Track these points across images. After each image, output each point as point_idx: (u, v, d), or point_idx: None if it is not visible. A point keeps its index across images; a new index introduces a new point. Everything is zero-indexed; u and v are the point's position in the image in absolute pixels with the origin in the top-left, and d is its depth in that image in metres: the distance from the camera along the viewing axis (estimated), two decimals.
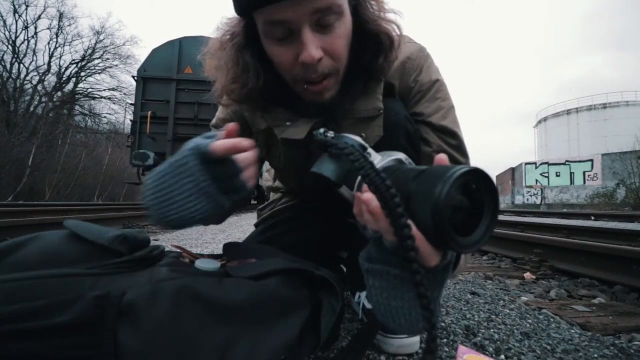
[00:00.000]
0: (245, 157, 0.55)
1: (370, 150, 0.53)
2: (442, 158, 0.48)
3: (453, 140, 0.77)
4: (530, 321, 0.98)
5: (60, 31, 18.84)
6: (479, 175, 0.39)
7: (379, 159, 0.51)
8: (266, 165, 1.00)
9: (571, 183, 18.43)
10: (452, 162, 0.75)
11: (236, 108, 0.81)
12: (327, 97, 0.65)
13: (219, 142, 0.54)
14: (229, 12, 0.64)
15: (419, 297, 0.38)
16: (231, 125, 0.57)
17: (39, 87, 18.10)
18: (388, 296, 0.46)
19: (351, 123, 0.72)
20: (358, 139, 0.54)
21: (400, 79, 0.77)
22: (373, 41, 0.66)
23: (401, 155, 0.53)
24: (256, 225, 1.09)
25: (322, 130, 0.56)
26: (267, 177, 1.17)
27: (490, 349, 0.78)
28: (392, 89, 0.77)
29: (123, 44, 21.55)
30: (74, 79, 19.73)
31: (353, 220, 0.50)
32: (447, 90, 0.80)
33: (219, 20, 0.69)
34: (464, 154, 0.79)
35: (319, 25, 0.57)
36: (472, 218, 0.40)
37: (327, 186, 0.54)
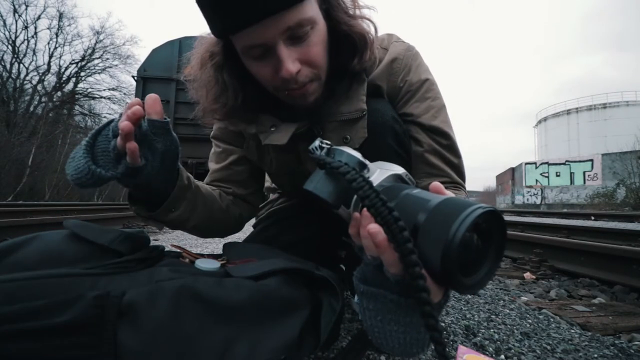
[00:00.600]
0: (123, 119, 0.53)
1: (369, 165, 0.52)
2: (438, 187, 0.45)
3: (444, 141, 0.76)
4: (530, 321, 0.98)
5: (60, 31, 18.87)
6: (493, 215, 0.38)
7: (376, 174, 0.49)
8: None
9: (571, 183, 18.43)
10: (444, 162, 0.76)
11: (219, 126, 0.85)
12: (311, 100, 0.66)
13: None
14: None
15: (427, 328, 0.37)
16: (134, 100, 0.56)
17: (39, 87, 18.14)
18: (382, 319, 0.45)
19: (335, 126, 0.72)
20: (357, 154, 0.51)
21: (387, 80, 0.76)
22: (347, 42, 0.66)
23: (400, 171, 0.52)
24: (254, 225, 1.09)
25: (317, 143, 0.53)
26: (267, 177, 1.17)
27: (490, 349, 0.78)
28: (380, 91, 0.76)
29: (123, 44, 21.59)
30: (73, 79, 19.76)
31: (348, 240, 0.49)
32: (437, 89, 0.79)
33: (199, 35, 0.70)
34: (457, 154, 0.78)
35: (291, 39, 0.58)
36: (477, 255, 0.39)
37: (320, 205, 0.51)
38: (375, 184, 0.45)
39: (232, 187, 0.88)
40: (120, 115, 0.55)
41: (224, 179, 0.89)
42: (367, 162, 0.52)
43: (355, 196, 0.48)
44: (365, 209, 0.42)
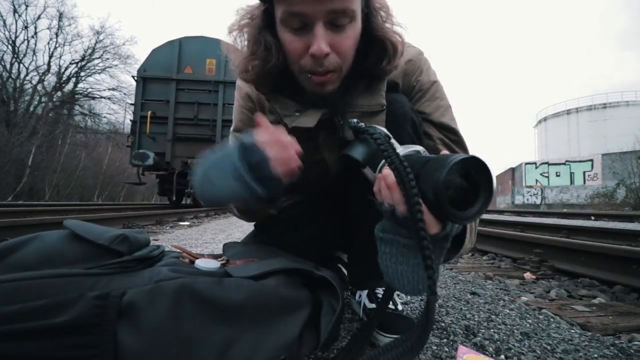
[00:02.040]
0: (281, 153, 0.62)
1: (393, 140, 0.61)
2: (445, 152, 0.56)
3: (453, 136, 0.83)
4: (530, 321, 0.98)
5: (60, 31, 18.84)
6: (475, 162, 0.48)
7: (400, 149, 0.59)
8: None
9: (571, 183, 18.42)
10: (454, 152, 0.80)
11: (249, 105, 0.87)
12: (328, 89, 0.70)
13: (260, 136, 0.63)
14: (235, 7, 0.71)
15: (424, 258, 0.48)
16: (259, 115, 0.65)
17: (39, 87, 18.11)
18: (396, 261, 0.55)
19: (356, 116, 0.75)
20: (384, 130, 0.63)
21: (403, 79, 0.83)
22: (378, 47, 0.71)
23: (420, 148, 0.62)
24: (256, 225, 1.09)
25: (355, 120, 0.65)
26: None
27: (490, 349, 0.78)
28: (397, 88, 0.83)
29: (123, 44, 21.57)
30: (73, 79, 19.73)
31: (372, 197, 0.59)
32: (443, 90, 0.86)
33: (238, 6, 0.75)
34: (465, 148, 0.84)
35: (331, 24, 0.63)
36: (472, 196, 0.49)
37: (353, 165, 0.64)
38: (398, 151, 0.56)
39: None
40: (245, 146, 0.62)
41: None
42: (392, 139, 0.62)
43: (381, 162, 0.59)
44: (385, 167, 0.54)
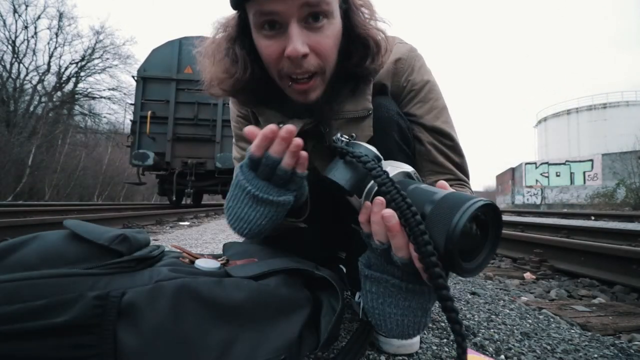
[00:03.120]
0: (278, 146, 0.56)
1: (383, 162, 0.55)
2: (443, 185, 0.50)
3: (448, 141, 0.78)
4: (530, 321, 0.98)
5: (60, 31, 18.84)
6: (491, 209, 0.42)
7: (388, 169, 0.51)
8: None
9: (571, 183, 18.42)
10: (447, 160, 0.78)
11: (238, 119, 0.85)
12: (312, 97, 0.66)
13: (253, 144, 0.57)
14: (226, 12, 0.66)
15: (444, 310, 0.41)
16: (248, 128, 0.58)
17: (39, 87, 18.10)
18: (383, 302, 0.49)
19: (342, 123, 0.72)
20: (373, 149, 0.57)
21: (392, 80, 0.78)
22: (361, 45, 0.67)
23: (409, 169, 0.56)
24: None
25: (339, 134, 0.60)
26: None
27: (490, 349, 0.78)
28: (385, 90, 0.78)
29: (123, 44, 21.58)
30: (73, 79, 19.73)
31: (357, 227, 0.52)
32: (439, 90, 0.81)
33: (215, 19, 0.71)
34: (460, 153, 0.79)
35: (307, 22, 0.59)
36: (479, 241, 0.44)
37: (336, 192, 0.56)
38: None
39: None
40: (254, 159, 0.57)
41: None
42: (381, 157, 0.56)
43: (367, 186, 0.53)
44: (377, 197, 0.47)
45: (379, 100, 0.75)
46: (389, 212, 0.45)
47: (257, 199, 0.57)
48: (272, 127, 0.55)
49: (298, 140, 0.56)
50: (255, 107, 0.76)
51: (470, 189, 0.81)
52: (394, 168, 0.55)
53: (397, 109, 0.76)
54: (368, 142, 0.70)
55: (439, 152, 0.78)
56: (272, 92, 0.70)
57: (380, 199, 0.47)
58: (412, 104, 0.79)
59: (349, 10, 0.65)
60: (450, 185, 0.63)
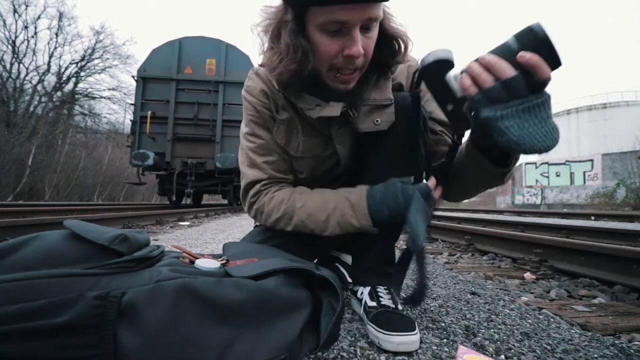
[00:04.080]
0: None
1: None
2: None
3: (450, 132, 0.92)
4: (530, 321, 0.98)
5: (60, 31, 18.82)
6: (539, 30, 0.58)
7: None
8: None
9: (571, 183, 18.42)
10: (452, 145, 0.88)
11: (265, 101, 0.90)
12: (350, 86, 0.79)
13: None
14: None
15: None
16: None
17: (39, 87, 18.09)
18: (523, 126, 0.58)
19: (368, 109, 0.84)
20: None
21: (407, 80, 0.93)
22: (393, 42, 0.80)
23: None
24: (258, 225, 1.09)
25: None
26: None
27: (490, 349, 0.78)
28: (402, 89, 0.92)
29: (123, 44, 21.57)
30: (73, 79, 19.72)
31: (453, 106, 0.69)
32: None
33: (259, 7, 0.80)
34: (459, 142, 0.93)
35: (365, 28, 0.71)
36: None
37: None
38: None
39: (288, 176, 0.95)
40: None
41: (280, 170, 0.93)
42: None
43: (451, 75, 0.67)
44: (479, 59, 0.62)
45: (405, 94, 0.88)
46: (483, 57, 0.61)
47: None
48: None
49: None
50: (297, 94, 0.84)
51: None
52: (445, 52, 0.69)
53: (419, 102, 0.88)
54: (390, 128, 0.84)
55: (449, 137, 0.93)
56: (311, 80, 0.80)
57: (485, 57, 0.60)
58: (424, 100, 0.91)
59: (383, 15, 0.75)
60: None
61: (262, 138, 0.92)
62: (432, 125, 0.93)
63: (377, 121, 0.83)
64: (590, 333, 0.92)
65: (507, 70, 0.58)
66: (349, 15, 0.67)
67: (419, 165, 0.90)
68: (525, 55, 0.57)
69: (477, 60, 0.62)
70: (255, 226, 1.09)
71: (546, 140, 0.59)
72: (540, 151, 0.59)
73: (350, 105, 0.83)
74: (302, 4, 0.70)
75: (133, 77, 8.67)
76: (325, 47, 0.72)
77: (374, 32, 0.73)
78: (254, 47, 0.84)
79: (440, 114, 0.91)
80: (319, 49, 0.74)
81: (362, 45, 0.71)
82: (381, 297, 0.86)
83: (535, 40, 0.57)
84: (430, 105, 0.90)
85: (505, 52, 0.59)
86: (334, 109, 0.81)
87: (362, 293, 0.91)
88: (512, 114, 0.58)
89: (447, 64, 0.68)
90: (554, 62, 0.57)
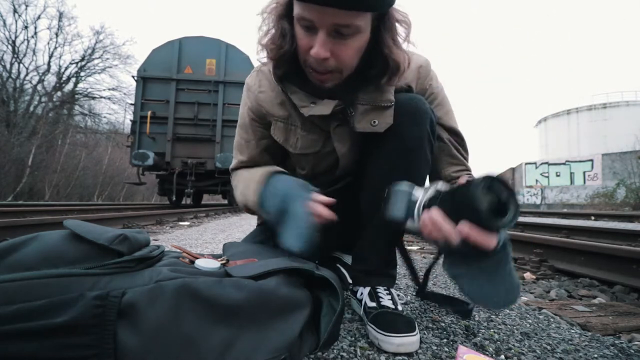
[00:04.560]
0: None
1: (415, 188, 0.70)
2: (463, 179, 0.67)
3: (459, 139, 0.95)
4: (530, 321, 0.98)
5: (60, 31, 18.80)
6: (496, 180, 0.56)
7: (422, 193, 0.67)
8: None
9: (571, 183, 18.41)
10: (460, 154, 0.94)
11: (257, 106, 0.91)
12: (328, 85, 0.78)
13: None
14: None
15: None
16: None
17: (39, 87, 18.07)
18: (481, 286, 0.60)
19: (366, 109, 0.83)
20: (406, 186, 0.70)
21: (417, 82, 0.91)
22: (382, 62, 0.77)
23: (439, 185, 0.68)
24: (259, 224, 1.09)
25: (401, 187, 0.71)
26: None
27: (490, 349, 0.78)
28: (411, 90, 0.89)
29: (123, 44, 21.56)
30: (73, 79, 19.70)
31: (431, 243, 0.70)
32: (448, 97, 0.97)
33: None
34: (466, 149, 0.96)
35: (335, 33, 0.68)
36: (504, 208, 0.56)
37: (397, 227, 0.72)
38: (425, 197, 0.66)
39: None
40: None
41: (254, 166, 0.97)
42: (415, 187, 0.71)
43: (415, 209, 0.67)
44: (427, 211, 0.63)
45: (415, 95, 0.86)
46: (427, 214, 0.61)
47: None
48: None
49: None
50: (289, 86, 0.84)
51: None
52: (428, 190, 0.67)
53: (430, 106, 0.87)
54: (396, 129, 0.83)
55: (455, 147, 0.94)
56: (299, 71, 0.80)
57: (427, 212, 0.62)
58: (433, 105, 0.91)
59: (381, 27, 0.74)
60: (462, 175, 0.92)
61: (241, 137, 0.97)
62: (439, 132, 0.91)
63: (374, 122, 0.82)
64: (590, 333, 0.92)
65: (452, 237, 0.58)
66: (314, 16, 0.67)
67: (422, 171, 0.87)
68: (463, 230, 0.56)
69: (430, 205, 0.62)
70: (258, 225, 1.09)
71: (503, 298, 0.60)
72: (497, 307, 0.61)
73: (347, 104, 0.82)
74: None
75: (133, 77, 8.67)
76: (300, 40, 0.74)
77: (354, 41, 0.71)
78: (254, 47, 0.85)
79: (448, 120, 0.93)
80: (296, 40, 0.75)
81: (333, 49, 0.70)
82: (381, 297, 0.86)
83: (478, 211, 0.55)
84: (439, 111, 0.92)
85: (456, 209, 0.59)
86: (326, 107, 0.80)
87: (361, 294, 0.91)
88: (466, 274, 0.60)
89: (401, 222, 0.69)
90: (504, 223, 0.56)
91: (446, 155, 0.94)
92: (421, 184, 0.90)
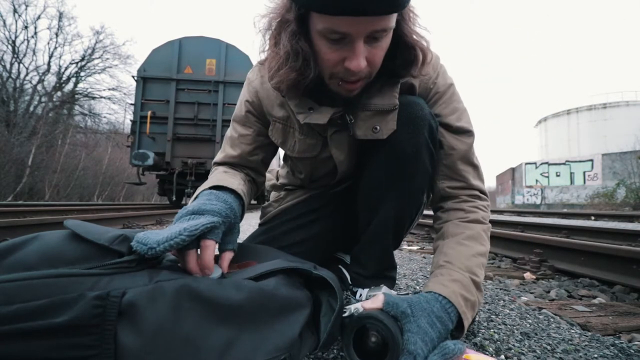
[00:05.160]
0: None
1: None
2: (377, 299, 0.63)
3: (468, 139, 0.84)
4: (530, 321, 0.98)
5: (60, 31, 18.82)
6: (374, 321, 0.59)
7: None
8: (271, 165, 1.02)
9: (571, 183, 18.41)
10: (465, 164, 0.84)
11: (256, 101, 0.88)
12: (355, 94, 0.72)
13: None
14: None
15: None
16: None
17: (39, 87, 18.08)
18: None
19: (368, 115, 0.77)
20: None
21: (420, 80, 0.83)
22: (408, 52, 0.71)
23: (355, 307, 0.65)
24: (261, 224, 1.09)
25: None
26: (270, 177, 1.17)
27: (490, 349, 0.78)
28: (413, 90, 0.82)
29: (123, 44, 21.57)
30: (73, 79, 19.72)
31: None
32: (459, 94, 0.87)
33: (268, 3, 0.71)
34: (472, 160, 0.86)
35: (370, 40, 0.63)
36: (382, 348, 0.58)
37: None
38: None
39: (247, 171, 0.93)
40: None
41: (241, 164, 0.93)
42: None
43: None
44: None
45: (414, 99, 0.79)
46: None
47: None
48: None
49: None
50: (296, 97, 0.78)
51: (481, 198, 0.85)
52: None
53: (429, 110, 0.81)
54: (395, 135, 0.76)
55: (459, 157, 0.83)
56: (312, 83, 0.73)
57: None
58: (438, 104, 0.84)
59: (401, 20, 0.67)
60: (460, 195, 0.84)
61: (235, 131, 0.93)
62: (441, 137, 0.84)
63: (376, 129, 0.76)
64: (590, 333, 0.92)
65: None
66: (350, 28, 0.59)
67: (418, 182, 0.83)
68: None
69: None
70: (261, 225, 1.09)
71: None
72: None
73: (347, 110, 0.77)
74: (305, 5, 0.63)
75: (133, 77, 8.66)
76: (326, 54, 0.65)
77: (384, 42, 0.65)
78: (254, 47, 0.78)
79: (454, 120, 0.84)
80: (320, 56, 0.67)
81: (367, 56, 0.64)
82: None
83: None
84: (444, 110, 0.84)
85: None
86: (323, 116, 0.75)
87: (360, 295, 0.91)
88: None
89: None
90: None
91: (443, 166, 0.84)
92: (418, 195, 0.87)
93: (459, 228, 0.80)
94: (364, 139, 0.78)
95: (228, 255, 0.65)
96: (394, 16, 0.62)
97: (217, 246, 0.63)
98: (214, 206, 0.64)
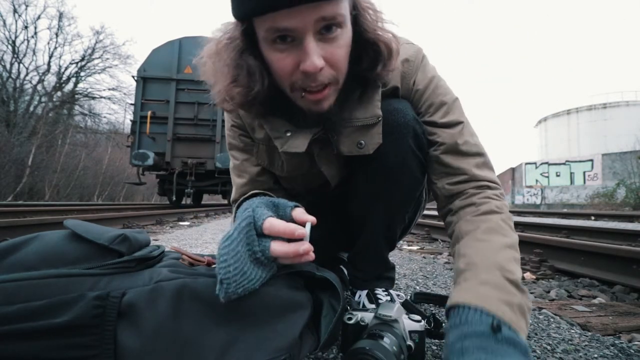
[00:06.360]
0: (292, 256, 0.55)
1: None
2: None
3: (456, 129, 0.76)
4: (530, 321, 0.98)
5: (60, 31, 18.85)
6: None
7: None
8: None
9: (571, 183, 18.40)
10: (461, 157, 0.75)
11: (240, 122, 0.82)
12: (325, 106, 0.64)
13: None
14: (228, 14, 0.63)
15: None
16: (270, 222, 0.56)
17: (39, 87, 18.10)
18: None
19: (350, 131, 0.72)
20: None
21: (402, 81, 0.77)
22: (372, 50, 0.65)
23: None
24: None
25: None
26: None
27: None
28: (397, 92, 0.78)
29: (123, 44, 21.59)
30: (73, 79, 19.74)
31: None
32: (445, 85, 0.80)
33: (215, 26, 0.68)
34: (474, 135, 0.78)
35: (321, 34, 0.57)
36: None
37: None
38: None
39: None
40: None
41: (254, 189, 0.83)
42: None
43: None
44: None
45: (395, 105, 0.74)
46: None
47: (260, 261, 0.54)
48: (300, 245, 0.55)
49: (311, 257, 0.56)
50: (262, 117, 0.73)
51: (491, 188, 0.75)
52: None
53: (413, 113, 0.76)
54: (377, 150, 0.72)
55: (452, 152, 0.75)
56: (279, 101, 0.68)
57: None
58: (421, 102, 0.78)
59: (358, 16, 0.62)
60: (465, 190, 0.73)
61: (236, 159, 0.87)
62: (430, 136, 0.78)
63: (361, 144, 0.72)
64: (590, 333, 0.92)
65: None
66: (296, 22, 0.54)
67: (406, 191, 0.81)
68: None
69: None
70: None
71: None
72: None
73: (327, 130, 0.71)
74: (243, 16, 0.58)
75: (133, 77, 8.67)
76: (278, 62, 0.59)
77: (342, 38, 0.59)
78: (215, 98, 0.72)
79: (441, 116, 0.77)
80: (273, 67, 0.62)
81: (324, 55, 0.57)
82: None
83: None
84: (429, 108, 0.77)
85: None
86: (301, 143, 0.70)
87: (359, 296, 0.91)
88: None
89: None
90: None
91: (439, 165, 0.77)
92: (409, 203, 0.85)
93: (473, 224, 0.68)
94: (350, 155, 0.74)
95: (296, 210, 0.61)
96: (343, 3, 0.57)
97: (275, 218, 0.58)
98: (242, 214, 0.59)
